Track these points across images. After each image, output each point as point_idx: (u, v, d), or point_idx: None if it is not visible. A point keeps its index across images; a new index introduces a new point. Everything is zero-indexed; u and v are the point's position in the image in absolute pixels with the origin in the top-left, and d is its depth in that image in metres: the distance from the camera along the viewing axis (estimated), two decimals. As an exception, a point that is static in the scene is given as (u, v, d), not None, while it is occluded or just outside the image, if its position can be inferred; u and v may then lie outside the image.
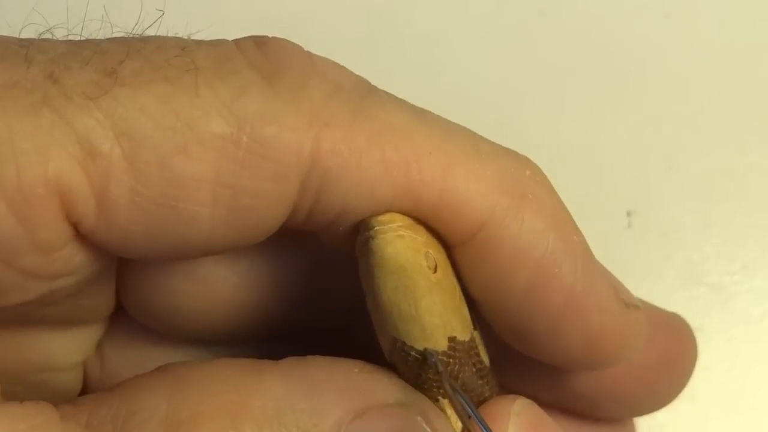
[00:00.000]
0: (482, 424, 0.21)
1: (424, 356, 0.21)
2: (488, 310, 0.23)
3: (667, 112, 0.36)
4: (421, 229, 0.21)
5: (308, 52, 0.22)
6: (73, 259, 0.21)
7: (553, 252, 0.22)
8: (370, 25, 0.38)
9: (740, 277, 0.34)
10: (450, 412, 0.22)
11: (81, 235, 0.20)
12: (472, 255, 0.22)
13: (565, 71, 0.37)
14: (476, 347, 0.23)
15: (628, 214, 0.34)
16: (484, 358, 0.23)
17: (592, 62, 0.37)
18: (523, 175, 0.22)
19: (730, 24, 0.38)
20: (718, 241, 0.34)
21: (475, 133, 0.23)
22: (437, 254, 0.21)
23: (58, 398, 0.21)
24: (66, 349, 0.26)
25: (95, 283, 0.23)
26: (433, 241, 0.22)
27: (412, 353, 0.21)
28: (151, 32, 0.22)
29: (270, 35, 0.22)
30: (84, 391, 0.26)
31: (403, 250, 0.21)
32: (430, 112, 0.22)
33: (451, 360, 0.21)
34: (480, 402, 0.23)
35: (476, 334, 0.23)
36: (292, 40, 0.22)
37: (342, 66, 0.22)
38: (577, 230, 0.23)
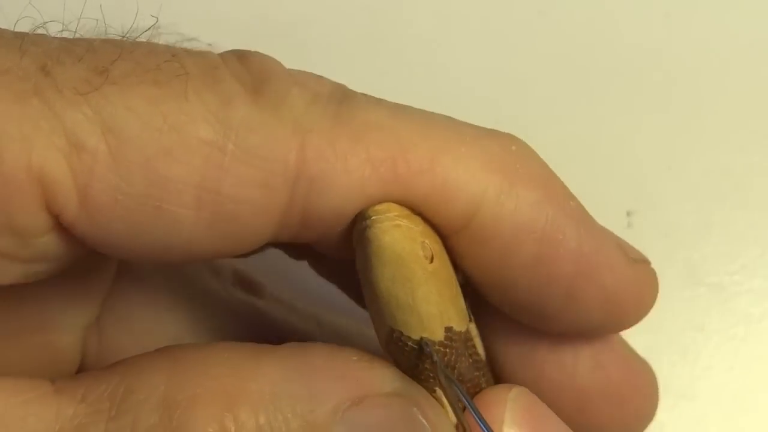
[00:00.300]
0: (477, 415, 0.21)
1: (421, 346, 0.21)
2: (498, 292, 0.23)
3: (667, 112, 0.36)
4: (417, 219, 0.22)
5: (285, 67, 0.22)
6: (53, 247, 0.21)
7: (554, 219, 0.22)
8: (370, 26, 0.38)
9: (740, 277, 0.34)
10: (447, 403, 0.22)
11: (62, 226, 0.20)
12: (472, 239, 0.22)
13: (565, 72, 0.37)
14: (472, 339, 0.23)
15: (628, 214, 0.34)
16: (480, 350, 0.23)
17: (592, 62, 0.37)
18: (509, 151, 0.22)
19: (730, 24, 0.38)
20: (718, 241, 0.34)
21: (456, 120, 0.23)
22: (434, 244, 0.21)
23: (56, 366, 0.21)
24: (66, 308, 0.26)
25: (85, 263, 0.23)
26: (429, 231, 0.22)
27: (409, 343, 0.21)
28: (144, 38, 0.22)
29: (262, 43, 0.22)
30: (82, 367, 0.26)
31: (400, 239, 0.21)
32: (409, 106, 0.23)
33: (447, 350, 0.21)
34: (475, 393, 0.23)
35: (472, 326, 0.23)
36: (284, 47, 0.22)
37: (318, 75, 0.22)
38: (572, 196, 0.23)
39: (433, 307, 0.21)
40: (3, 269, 0.21)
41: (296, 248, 0.27)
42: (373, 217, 0.21)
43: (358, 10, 0.38)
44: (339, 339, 0.22)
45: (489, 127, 0.23)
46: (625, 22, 0.38)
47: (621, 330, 0.25)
